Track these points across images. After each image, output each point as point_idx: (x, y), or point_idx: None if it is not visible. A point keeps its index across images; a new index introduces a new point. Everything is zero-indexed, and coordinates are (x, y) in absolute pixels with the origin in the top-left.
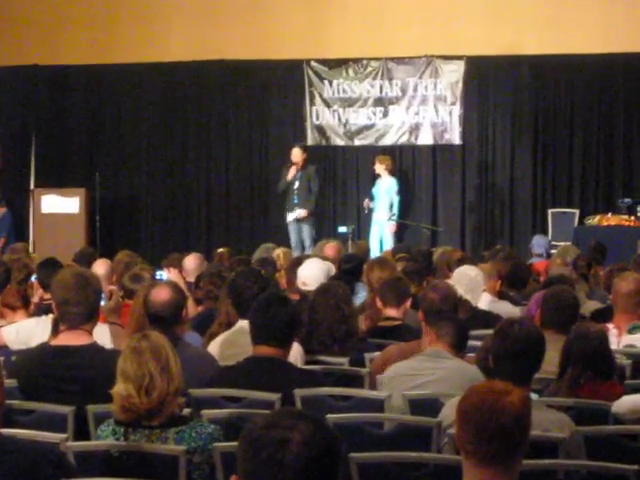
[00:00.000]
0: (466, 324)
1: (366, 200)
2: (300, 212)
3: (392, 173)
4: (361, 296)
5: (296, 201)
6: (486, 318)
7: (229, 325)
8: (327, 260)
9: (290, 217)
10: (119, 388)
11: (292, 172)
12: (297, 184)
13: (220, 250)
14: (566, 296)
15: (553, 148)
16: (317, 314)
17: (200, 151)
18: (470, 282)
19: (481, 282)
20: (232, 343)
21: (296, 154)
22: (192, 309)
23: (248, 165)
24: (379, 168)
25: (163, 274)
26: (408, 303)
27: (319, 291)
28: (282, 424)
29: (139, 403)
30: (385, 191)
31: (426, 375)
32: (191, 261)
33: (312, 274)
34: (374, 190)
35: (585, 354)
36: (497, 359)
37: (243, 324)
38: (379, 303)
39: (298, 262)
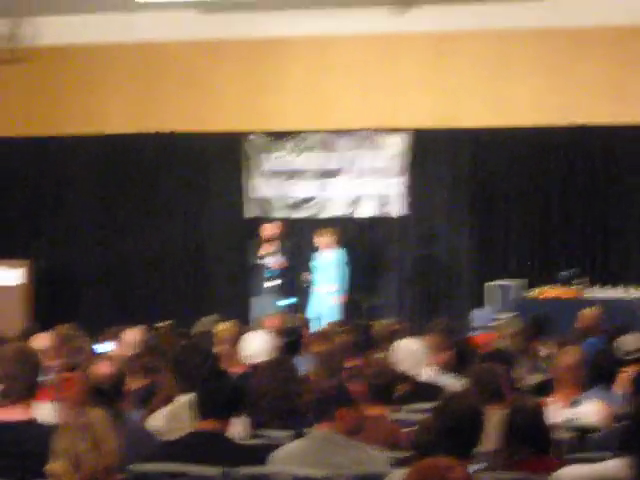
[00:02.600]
0: None
1: (304, 273)
2: (273, 260)
3: (337, 244)
4: (302, 370)
5: (269, 274)
6: (429, 391)
7: (169, 399)
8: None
9: (266, 260)
10: (51, 466)
11: (270, 246)
12: (276, 256)
13: (159, 325)
14: (485, 372)
15: (489, 220)
16: (263, 389)
17: (138, 222)
18: (412, 356)
19: (423, 355)
20: (175, 417)
21: (274, 228)
22: (132, 383)
23: (186, 238)
24: (328, 240)
25: (103, 347)
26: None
27: (269, 364)
28: None
29: None
30: (325, 264)
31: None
32: (130, 335)
33: (258, 348)
34: (313, 263)
35: (520, 429)
36: (437, 434)
37: (185, 399)
38: (314, 377)
39: (240, 335)
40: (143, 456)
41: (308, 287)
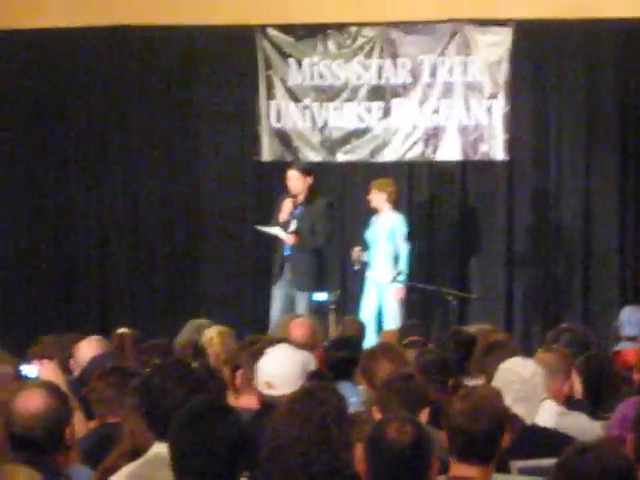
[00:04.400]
0: None
1: (356, 250)
2: (280, 233)
3: (397, 206)
4: (353, 403)
5: (288, 252)
6: (549, 441)
7: (137, 452)
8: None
9: (268, 229)
10: None
11: (287, 208)
12: (293, 226)
13: (120, 332)
14: None
15: None
16: (287, 434)
17: (90, 168)
18: (523, 386)
19: (540, 385)
20: (146, 479)
21: (294, 179)
22: (81, 425)
23: (168, 193)
24: (377, 199)
25: (31, 370)
26: (423, 416)
27: (298, 397)
28: None
29: None
30: (387, 235)
31: None
32: (87, 349)
33: (282, 370)
34: (369, 234)
35: None
36: None
37: (161, 450)
38: (378, 415)
39: (258, 349)
40: None
41: (360, 271)
